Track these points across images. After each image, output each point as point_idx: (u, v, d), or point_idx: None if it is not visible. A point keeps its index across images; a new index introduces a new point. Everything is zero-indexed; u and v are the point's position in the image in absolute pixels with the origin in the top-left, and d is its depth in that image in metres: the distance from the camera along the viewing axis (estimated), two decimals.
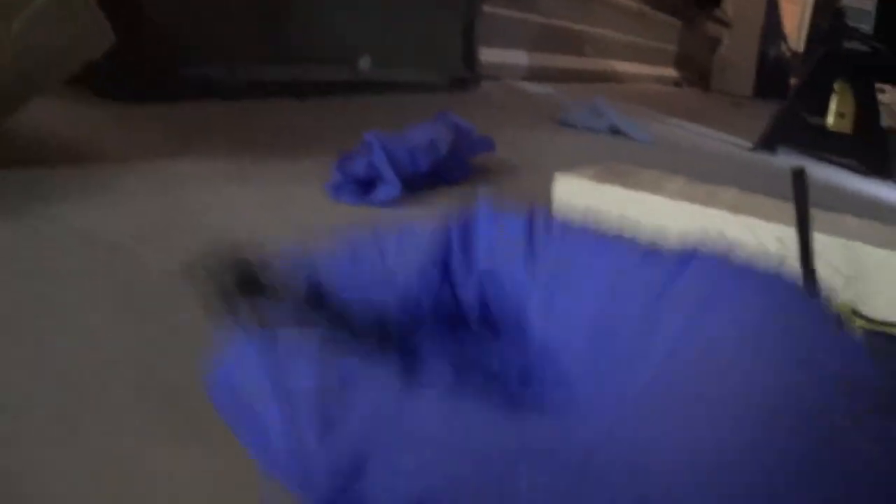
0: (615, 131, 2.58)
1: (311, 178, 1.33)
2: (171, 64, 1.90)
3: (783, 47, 8.02)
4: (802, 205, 0.81)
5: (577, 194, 1.15)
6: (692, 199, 1.13)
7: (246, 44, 2.13)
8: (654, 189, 1.15)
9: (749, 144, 3.05)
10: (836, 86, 3.09)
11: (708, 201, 1.13)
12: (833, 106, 3.11)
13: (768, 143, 2.98)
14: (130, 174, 1.25)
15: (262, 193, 1.25)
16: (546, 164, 1.85)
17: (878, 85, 6.51)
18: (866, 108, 2.96)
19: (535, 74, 4.14)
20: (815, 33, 3.24)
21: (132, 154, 1.37)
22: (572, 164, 1.84)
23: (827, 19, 3.16)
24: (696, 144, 2.99)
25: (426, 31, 2.90)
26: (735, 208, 1.11)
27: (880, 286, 1.07)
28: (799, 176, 0.80)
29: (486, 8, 3.42)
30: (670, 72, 7.01)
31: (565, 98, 3.07)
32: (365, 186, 1.30)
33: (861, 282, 1.07)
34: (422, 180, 1.39)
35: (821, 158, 3.04)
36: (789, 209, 1.18)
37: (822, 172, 2.80)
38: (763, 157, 2.88)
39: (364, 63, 2.55)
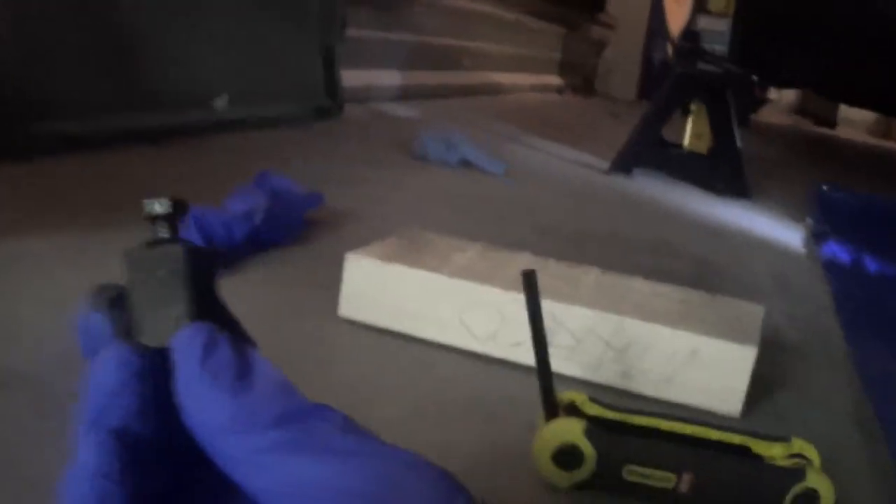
0: (468, 163, 2.61)
1: None
2: (22, 121, 1.88)
3: (668, 49, 8.14)
4: (534, 307, 0.84)
5: (366, 275, 1.18)
6: (473, 275, 1.16)
7: (97, 94, 2.10)
8: (440, 265, 1.18)
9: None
10: (692, 106, 3.17)
11: (488, 277, 1.17)
12: (689, 127, 3.19)
13: (624, 165, 3.04)
14: None
15: (87, 274, 1.24)
16: (381, 212, 1.89)
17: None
18: (722, 129, 3.04)
19: (409, 93, 4.17)
20: (676, 52, 3.30)
21: None
22: (409, 212, 1.88)
23: (683, 40, 3.23)
24: (552, 170, 3.04)
25: (284, 63, 2.91)
26: (512, 283, 1.15)
27: (648, 360, 1.11)
28: (528, 278, 0.84)
29: (353, 31, 3.43)
30: (553, 79, 7.08)
31: (430, 122, 3.10)
32: None
33: (629, 355, 1.11)
34: (239, 250, 1.40)
35: (677, 179, 3.10)
36: (575, 277, 1.23)
37: (675, 195, 2.87)
38: (617, 182, 2.93)
39: (220, 103, 2.55)
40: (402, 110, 3.76)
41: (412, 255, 1.23)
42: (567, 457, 0.85)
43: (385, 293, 1.19)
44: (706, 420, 0.95)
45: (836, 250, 2.24)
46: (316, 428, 0.35)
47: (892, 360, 1.50)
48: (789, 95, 9.57)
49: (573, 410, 0.91)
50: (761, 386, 1.13)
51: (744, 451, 0.90)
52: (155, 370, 0.37)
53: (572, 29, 7.30)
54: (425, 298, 1.17)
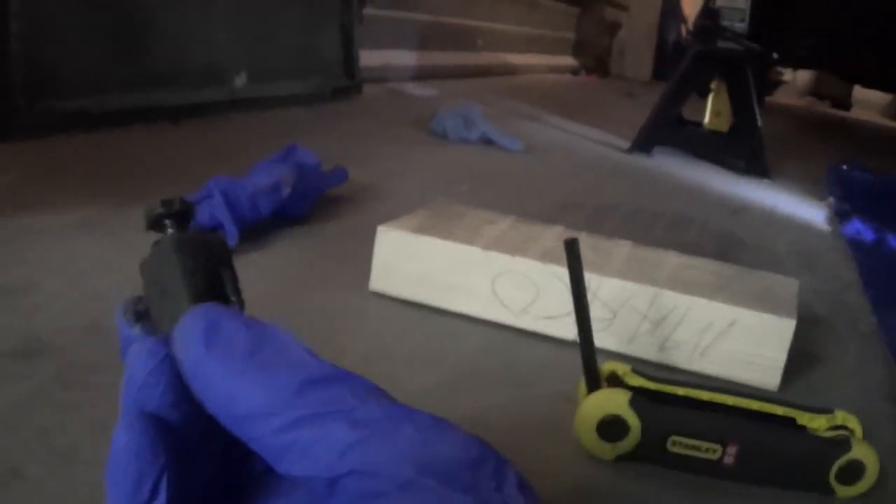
0: (487, 141, 2.60)
1: None
2: (37, 98, 1.88)
3: (683, 30, 8.09)
4: (577, 276, 0.83)
5: (397, 248, 1.17)
6: (505, 247, 1.15)
7: (115, 70, 2.10)
8: (472, 237, 1.17)
9: (629, 143, 3.08)
10: (712, 84, 3.15)
11: (521, 249, 1.15)
12: (709, 105, 3.16)
13: (644, 144, 3.02)
14: None
15: (108, 246, 1.24)
16: (403, 188, 1.88)
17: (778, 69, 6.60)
18: (742, 107, 3.01)
19: (425, 73, 4.15)
20: (693, 30, 3.27)
21: None
22: (431, 188, 1.87)
23: (702, 17, 3.20)
24: (571, 147, 3.01)
25: (303, 42, 2.90)
26: (546, 255, 1.14)
27: (684, 332, 1.10)
28: (571, 247, 0.82)
29: (370, 11, 3.43)
30: (568, 60, 7.05)
31: (446, 101, 3.09)
32: None
33: (665, 327, 1.10)
34: (264, 223, 1.39)
35: (698, 157, 3.08)
36: (607, 250, 1.22)
37: (695, 173, 2.85)
38: (637, 160, 2.92)
39: (239, 81, 2.55)
40: (419, 90, 3.75)
41: (443, 228, 1.21)
42: (611, 428, 0.84)
43: (416, 265, 1.18)
44: (747, 392, 0.93)
45: (860, 229, 2.22)
46: (336, 398, 0.34)
47: None
48: (803, 77, 9.52)
49: (615, 381, 0.89)
50: (795, 359, 1.12)
51: (788, 422, 0.88)
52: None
53: (586, 10, 7.27)
54: (457, 271, 1.16)
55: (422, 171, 2.16)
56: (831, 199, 2.60)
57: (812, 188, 2.86)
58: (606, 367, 0.90)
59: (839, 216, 2.38)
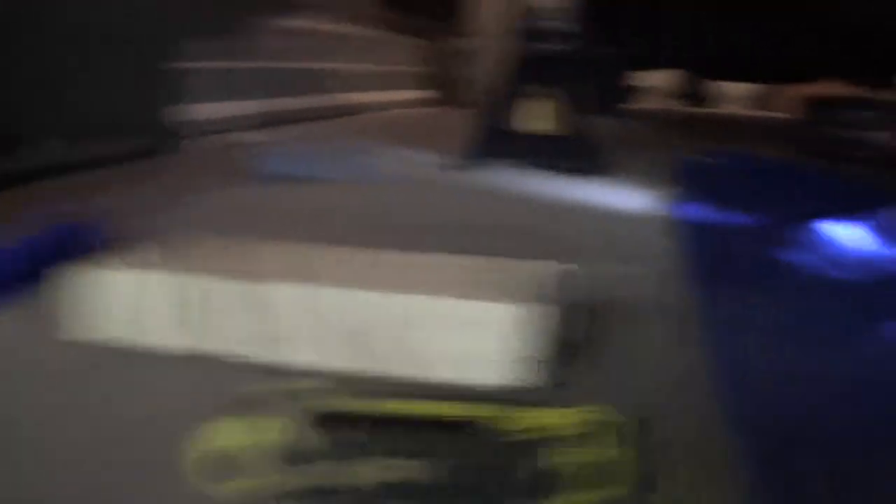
0: (315, 177, 2.52)
1: None
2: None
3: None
4: None
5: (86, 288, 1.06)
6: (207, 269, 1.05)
7: None
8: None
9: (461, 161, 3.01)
10: (535, 89, 3.07)
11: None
12: (533, 110, 3.08)
13: (474, 156, 2.96)
14: None
15: None
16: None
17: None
18: (577, 109, 2.98)
19: (268, 121, 4.07)
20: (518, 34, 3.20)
21: None
22: (242, 231, 1.77)
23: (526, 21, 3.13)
24: (403, 174, 2.91)
25: (119, 102, 2.79)
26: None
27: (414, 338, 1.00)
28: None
29: (201, 63, 3.36)
30: (419, 93, 7.07)
31: (279, 144, 3.03)
32: None
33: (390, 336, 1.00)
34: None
35: (533, 165, 3.01)
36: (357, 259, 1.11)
37: (531, 180, 2.82)
38: (469, 174, 2.91)
39: (49, 144, 2.42)
40: (255, 137, 3.67)
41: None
42: None
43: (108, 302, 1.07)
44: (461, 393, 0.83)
45: (693, 211, 2.28)
46: None
47: (738, 304, 1.50)
48: (664, 79, 9.68)
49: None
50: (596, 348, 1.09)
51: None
52: None
53: (435, 42, 7.29)
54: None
55: (244, 217, 2.10)
56: (667, 187, 2.59)
57: (656, 181, 2.83)
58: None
59: (673, 202, 2.42)
